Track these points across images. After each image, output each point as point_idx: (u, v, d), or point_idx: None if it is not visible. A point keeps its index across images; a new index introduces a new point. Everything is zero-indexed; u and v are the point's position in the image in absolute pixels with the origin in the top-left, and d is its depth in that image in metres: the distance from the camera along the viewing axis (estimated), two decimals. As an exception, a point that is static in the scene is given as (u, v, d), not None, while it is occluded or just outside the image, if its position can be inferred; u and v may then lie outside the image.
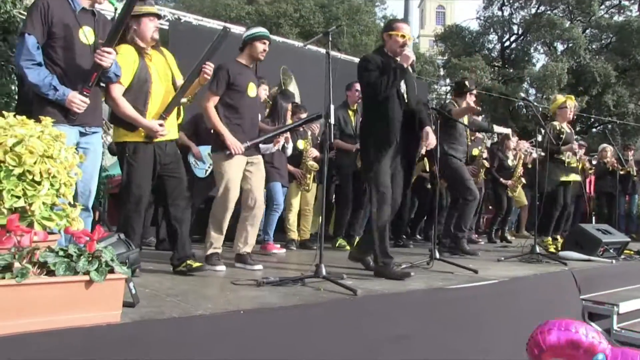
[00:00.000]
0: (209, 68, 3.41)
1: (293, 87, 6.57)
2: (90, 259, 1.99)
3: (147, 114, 3.29)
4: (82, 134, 2.98)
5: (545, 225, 6.37)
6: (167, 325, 2.17)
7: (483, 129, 6.23)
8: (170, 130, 3.41)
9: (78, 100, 2.85)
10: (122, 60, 3.21)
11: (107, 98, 3.26)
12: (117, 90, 3.20)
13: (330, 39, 3.51)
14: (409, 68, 3.87)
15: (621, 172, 8.56)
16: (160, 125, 3.27)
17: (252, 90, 3.96)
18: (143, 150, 3.30)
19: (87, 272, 1.94)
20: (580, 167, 8.40)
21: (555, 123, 6.31)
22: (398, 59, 3.84)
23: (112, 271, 2.05)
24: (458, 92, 5.91)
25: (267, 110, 5.22)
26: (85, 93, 2.89)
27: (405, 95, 3.92)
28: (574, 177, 6.52)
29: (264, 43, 4.02)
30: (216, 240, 3.83)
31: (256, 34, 3.99)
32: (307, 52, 7.64)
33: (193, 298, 2.71)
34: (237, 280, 3.27)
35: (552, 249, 5.72)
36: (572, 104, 6.44)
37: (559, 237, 6.39)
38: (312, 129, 5.72)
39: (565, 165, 6.35)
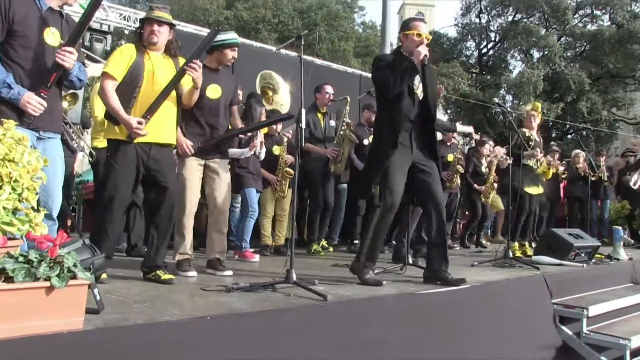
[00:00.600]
0: (193, 66, 3.32)
1: (284, 90, 6.50)
2: (52, 264, 1.95)
3: (132, 110, 3.26)
4: (38, 139, 2.84)
5: (512, 231, 6.39)
6: (130, 332, 2.13)
7: (446, 128, 6.20)
8: (158, 132, 3.35)
9: (34, 102, 2.70)
10: (117, 56, 3.32)
11: (99, 89, 3.35)
12: (109, 83, 3.26)
13: (302, 42, 3.51)
14: (430, 67, 3.84)
15: (592, 178, 8.69)
16: (139, 123, 3.20)
17: (212, 92, 3.90)
18: (123, 149, 3.27)
19: (48, 278, 1.90)
20: (554, 172, 8.55)
21: (525, 130, 6.35)
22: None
23: (74, 277, 2.01)
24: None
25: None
26: (42, 94, 2.75)
27: (420, 95, 3.84)
28: (538, 190, 6.50)
29: (234, 50, 4.02)
30: (181, 245, 3.79)
31: (226, 41, 3.98)
32: (285, 57, 7.63)
33: (160, 304, 2.68)
34: (207, 286, 3.24)
35: (518, 254, 5.77)
36: (535, 113, 6.48)
37: (526, 243, 6.47)
38: (287, 135, 5.71)
39: (533, 173, 6.37)
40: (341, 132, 6.01)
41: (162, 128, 3.39)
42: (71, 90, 4.52)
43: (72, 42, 2.84)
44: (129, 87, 3.28)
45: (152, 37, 3.36)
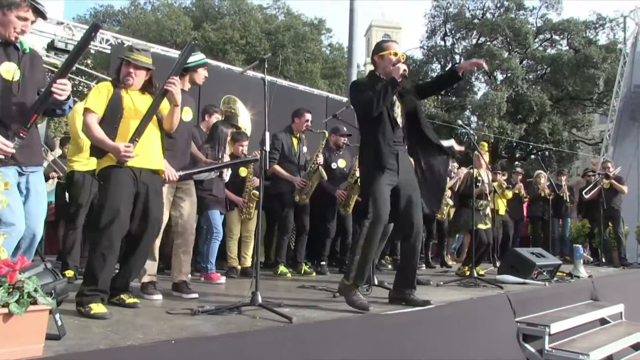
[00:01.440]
0: (172, 81, 3.31)
1: (245, 117, 6.52)
2: (11, 290, 1.93)
3: (115, 141, 3.21)
4: (20, 174, 2.78)
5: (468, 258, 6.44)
6: (92, 358, 2.10)
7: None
8: (146, 158, 3.31)
9: (1, 146, 2.61)
10: (96, 92, 3.32)
11: (82, 126, 3.39)
12: (92, 117, 3.24)
13: (266, 65, 3.55)
14: (407, 83, 3.85)
15: (550, 197, 8.91)
16: (127, 146, 3.15)
17: (185, 114, 3.92)
18: (116, 172, 3.20)
19: (6, 305, 1.88)
20: (515, 192, 8.77)
21: (474, 170, 6.31)
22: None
23: (35, 302, 1.99)
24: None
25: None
26: (21, 135, 2.66)
27: (397, 119, 3.83)
28: (487, 225, 6.60)
29: (205, 69, 4.10)
30: (150, 267, 3.75)
31: (200, 61, 4.06)
32: (252, 78, 7.67)
33: (124, 328, 2.64)
34: (172, 309, 3.21)
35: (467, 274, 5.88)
36: (482, 151, 6.55)
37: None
38: (255, 156, 5.70)
39: (481, 212, 6.47)
40: (313, 165, 5.99)
41: (150, 154, 3.36)
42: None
43: (63, 74, 2.77)
44: (110, 119, 3.27)
45: (127, 79, 3.37)
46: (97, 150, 3.27)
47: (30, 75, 2.86)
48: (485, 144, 6.82)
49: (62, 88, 2.70)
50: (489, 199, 6.58)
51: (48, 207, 8.59)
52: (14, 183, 2.71)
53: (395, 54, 3.82)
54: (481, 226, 6.34)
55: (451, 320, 3.89)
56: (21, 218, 2.72)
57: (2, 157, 2.63)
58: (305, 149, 6.13)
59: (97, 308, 2.95)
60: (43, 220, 2.91)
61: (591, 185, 9.00)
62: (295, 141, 5.96)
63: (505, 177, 8.82)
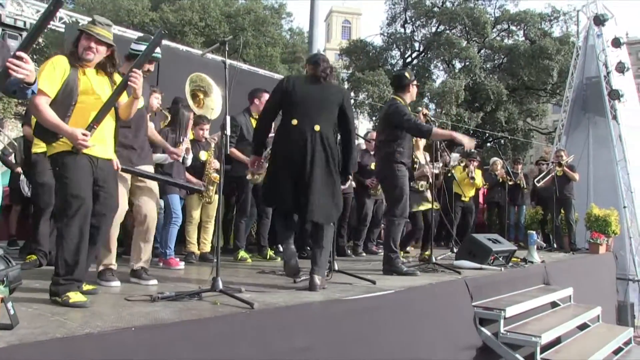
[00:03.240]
0: (135, 75, 3.14)
1: (217, 95, 6.36)
2: (-40, 278, 1.85)
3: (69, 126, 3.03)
4: None
5: (402, 242, 6.49)
6: (47, 348, 2.03)
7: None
8: (101, 147, 3.17)
9: None
10: (50, 70, 3.02)
11: (30, 106, 3.05)
12: (42, 99, 2.96)
13: (227, 48, 3.48)
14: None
15: (510, 184, 9.14)
16: (84, 134, 2.98)
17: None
18: (73, 159, 3.02)
19: (-46, 293, 1.80)
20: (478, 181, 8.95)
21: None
22: None
23: (-15, 291, 1.91)
24: (399, 87, 5.33)
25: (167, 119, 5.07)
26: None
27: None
28: (426, 206, 6.68)
29: (151, 63, 3.98)
30: (105, 257, 3.66)
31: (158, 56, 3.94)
32: (211, 62, 7.53)
33: (82, 316, 2.57)
34: (131, 296, 3.15)
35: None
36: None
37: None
38: (214, 139, 5.61)
39: (419, 193, 6.63)
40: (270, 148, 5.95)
41: (104, 143, 3.22)
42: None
43: (25, 47, 2.51)
44: (62, 105, 3.05)
45: (87, 53, 3.14)
46: (47, 134, 3.03)
47: None
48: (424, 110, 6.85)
49: (20, 64, 2.45)
50: (430, 181, 6.63)
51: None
52: None
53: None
54: (420, 208, 6.47)
55: (410, 305, 3.96)
56: None
57: None
58: None
59: (76, 297, 2.87)
60: None
61: (544, 173, 9.25)
62: (254, 122, 5.87)
63: (476, 164, 9.03)
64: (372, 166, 7.14)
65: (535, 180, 9.38)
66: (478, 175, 9.04)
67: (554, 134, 15.68)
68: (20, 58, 2.44)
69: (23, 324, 2.27)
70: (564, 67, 22.08)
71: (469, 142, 5.07)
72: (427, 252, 6.29)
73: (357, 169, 6.93)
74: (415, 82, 5.31)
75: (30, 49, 2.58)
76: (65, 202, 2.98)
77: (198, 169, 5.54)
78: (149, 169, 3.98)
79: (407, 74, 5.32)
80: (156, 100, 4.74)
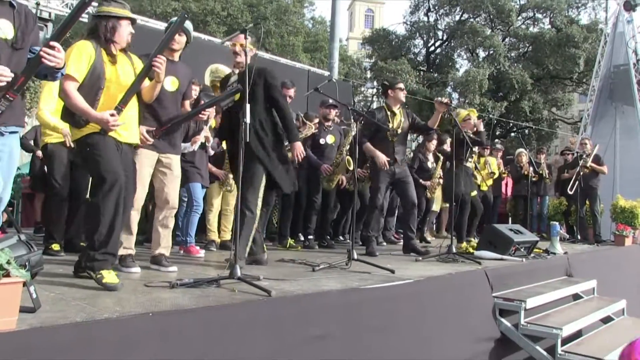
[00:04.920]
0: (159, 61, 3.24)
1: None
2: (-18, 262, 1.88)
3: (97, 111, 3.11)
4: (0, 135, 2.68)
5: (457, 230, 6.75)
6: (68, 331, 2.07)
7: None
8: (126, 132, 3.24)
9: None
10: (76, 55, 3.09)
11: (59, 91, 3.14)
12: (70, 85, 3.06)
13: (247, 36, 3.47)
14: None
15: (534, 179, 9.04)
16: (112, 115, 3.06)
17: (170, 84, 3.85)
18: (103, 139, 3.11)
19: (-23, 277, 1.83)
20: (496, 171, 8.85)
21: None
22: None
23: (7, 275, 1.95)
24: (383, 94, 5.96)
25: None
26: (9, 97, 2.54)
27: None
28: (474, 193, 6.94)
29: (182, 35, 3.98)
30: (126, 240, 3.69)
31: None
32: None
33: (101, 301, 2.61)
34: (150, 282, 3.18)
35: (470, 250, 5.99)
36: (474, 116, 6.81)
37: (472, 239, 6.72)
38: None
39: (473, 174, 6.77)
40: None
41: (129, 128, 3.28)
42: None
43: (57, 37, 2.59)
44: (91, 90, 3.12)
45: (116, 35, 3.22)
46: (73, 118, 3.11)
47: (24, 33, 2.75)
48: (474, 110, 6.95)
49: (53, 54, 2.53)
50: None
51: (22, 178, 8.45)
52: None
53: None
54: (473, 193, 6.62)
55: (429, 295, 3.93)
56: None
57: None
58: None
59: (109, 277, 2.96)
60: (11, 182, 2.83)
61: (574, 176, 8.99)
62: None
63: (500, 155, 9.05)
64: None
65: (566, 178, 9.24)
66: (493, 164, 8.95)
67: (580, 123, 15.42)
68: (52, 47, 2.52)
69: (45, 307, 2.31)
70: (591, 55, 21.61)
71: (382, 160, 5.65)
72: (463, 244, 6.40)
73: None
74: (397, 86, 5.84)
75: (62, 38, 2.64)
76: (100, 178, 3.07)
77: (219, 158, 5.57)
78: (174, 158, 4.00)
79: (386, 81, 6.03)
80: (194, 92, 4.81)
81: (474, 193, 7.14)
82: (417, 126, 5.94)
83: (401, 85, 5.86)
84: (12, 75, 2.50)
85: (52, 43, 2.53)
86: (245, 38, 3.49)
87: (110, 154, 3.13)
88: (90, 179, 3.33)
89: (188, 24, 4.02)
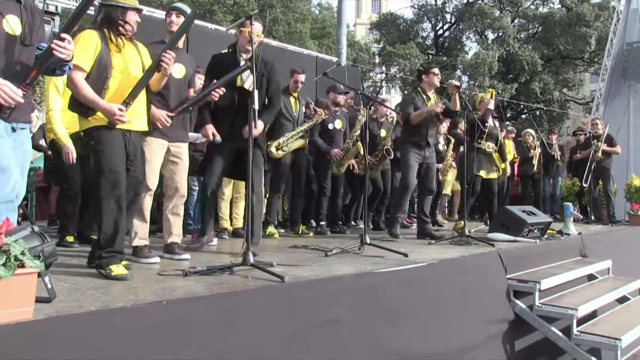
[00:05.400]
0: (168, 57, 3.25)
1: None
2: (-3, 253, 1.89)
3: (104, 101, 3.11)
4: (12, 130, 2.64)
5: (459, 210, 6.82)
6: (83, 320, 2.08)
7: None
8: (135, 119, 3.24)
9: (8, 90, 2.43)
10: (83, 45, 3.09)
11: (67, 82, 3.14)
12: (78, 74, 3.06)
13: (252, 23, 3.45)
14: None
15: (535, 158, 9.00)
16: (120, 109, 3.06)
17: (177, 71, 3.87)
18: (108, 134, 3.11)
19: (-8, 268, 1.84)
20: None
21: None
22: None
23: (22, 266, 1.96)
24: (417, 79, 6.09)
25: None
26: (23, 91, 2.51)
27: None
28: (493, 175, 6.98)
29: (170, 15, 4.08)
30: (140, 229, 3.70)
31: (170, 7, 4.15)
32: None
33: (116, 290, 2.63)
34: (164, 271, 3.20)
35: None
36: (487, 96, 6.83)
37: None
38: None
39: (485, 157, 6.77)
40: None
41: (138, 116, 3.28)
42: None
43: (67, 29, 2.59)
44: (98, 79, 3.12)
45: (128, 27, 3.23)
46: (82, 107, 3.11)
47: (32, 29, 2.75)
48: (492, 91, 6.97)
49: (64, 46, 2.52)
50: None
51: (37, 172, 8.51)
52: (5, 137, 2.62)
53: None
54: (480, 173, 6.73)
55: (443, 278, 3.93)
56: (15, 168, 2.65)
57: (5, 104, 2.47)
58: (303, 108, 6.15)
59: (118, 270, 2.97)
60: (26, 177, 2.84)
61: (587, 162, 8.83)
62: (292, 100, 5.98)
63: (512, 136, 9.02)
64: (382, 134, 7.10)
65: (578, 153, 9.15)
66: (509, 146, 8.88)
67: (592, 104, 15.24)
68: (63, 39, 2.52)
69: (60, 297, 2.33)
70: (602, 34, 21.34)
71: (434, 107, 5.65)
72: (460, 223, 6.34)
73: (391, 143, 6.93)
74: (431, 71, 5.88)
75: (72, 30, 2.65)
76: (101, 176, 3.07)
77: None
78: (183, 146, 4.01)
79: (421, 67, 6.16)
80: (199, 81, 4.80)
81: (493, 175, 7.03)
82: (447, 110, 5.91)
83: (435, 70, 5.90)
84: (22, 94, 2.49)
85: (63, 35, 2.52)
86: (251, 24, 3.46)
87: (114, 150, 3.12)
88: (89, 172, 3.32)
89: (184, 7, 4.10)
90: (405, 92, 25.18)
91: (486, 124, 6.66)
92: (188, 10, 4.06)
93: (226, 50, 4.44)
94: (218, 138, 4.19)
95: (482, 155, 6.72)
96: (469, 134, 6.41)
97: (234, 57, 4.22)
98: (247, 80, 4.08)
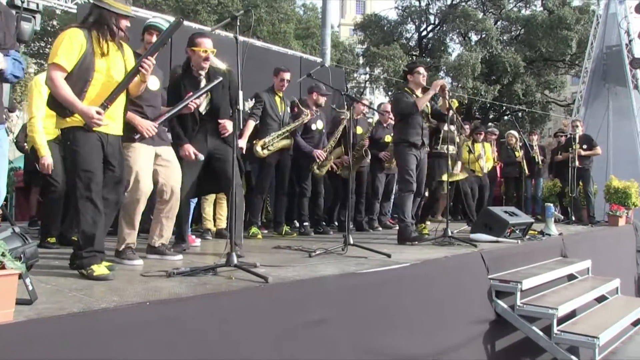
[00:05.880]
0: (148, 63, 3.22)
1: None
2: (-23, 254, 1.88)
3: (84, 104, 3.06)
4: None
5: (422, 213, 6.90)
6: (65, 322, 2.07)
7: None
8: (112, 123, 3.22)
9: None
10: (67, 44, 3.04)
11: (46, 79, 3.09)
12: (58, 74, 3.01)
13: (238, 23, 3.44)
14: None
15: (518, 159, 9.10)
16: (98, 112, 3.02)
17: (152, 83, 3.79)
18: (85, 134, 3.07)
19: (-28, 269, 1.83)
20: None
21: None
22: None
23: (3, 267, 1.94)
24: (403, 79, 6.00)
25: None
26: None
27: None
28: (458, 177, 6.99)
29: (151, 34, 4.07)
30: (129, 236, 3.67)
31: (148, 24, 4.14)
32: (223, 38, 7.50)
33: (98, 292, 2.62)
34: (147, 272, 3.19)
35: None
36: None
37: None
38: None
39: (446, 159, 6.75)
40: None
41: (115, 120, 3.26)
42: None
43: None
44: (79, 80, 3.07)
45: (121, 33, 3.22)
46: (61, 107, 3.06)
47: (6, 35, 2.71)
48: (456, 103, 6.86)
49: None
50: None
51: (16, 172, 8.41)
52: None
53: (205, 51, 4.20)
54: (443, 177, 6.60)
55: (426, 278, 3.96)
56: None
57: None
58: (288, 109, 6.14)
59: (99, 270, 2.97)
60: (4, 177, 2.82)
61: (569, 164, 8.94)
62: (277, 100, 5.96)
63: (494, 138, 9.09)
64: (386, 139, 7.12)
65: (559, 154, 9.27)
66: (488, 149, 8.96)
67: (573, 106, 15.43)
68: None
69: (42, 299, 2.31)
70: (583, 37, 21.56)
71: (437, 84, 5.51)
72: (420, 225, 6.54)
73: (372, 142, 6.95)
74: (416, 70, 5.77)
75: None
76: (77, 177, 3.05)
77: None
78: (168, 150, 3.99)
79: (406, 67, 6.20)
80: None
81: (458, 177, 7.07)
82: (436, 112, 5.93)
83: (421, 69, 5.78)
84: None
85: None
86: (236, 25, 3.45)
87: (90, 152, 3.09)
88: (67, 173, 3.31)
89: (160, 24, 4.12)
90: (390, 93, 25.32)
91: (441, 130, 6.65)
92: (165, 26, 4.02)
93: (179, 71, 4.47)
94: (200, 156, 4.19)
95: (442, 160, 6.66)
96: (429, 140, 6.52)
97: (193, 77, 4.25)
98: (202, 104, 4.21)
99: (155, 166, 3.87)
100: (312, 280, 3.15)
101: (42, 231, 4.65)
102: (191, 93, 3.97)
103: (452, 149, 6.88)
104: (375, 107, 8.00)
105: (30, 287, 2.22)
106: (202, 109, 4.24)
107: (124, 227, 3.67)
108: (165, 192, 3.90)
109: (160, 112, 3.92)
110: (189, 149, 4.17)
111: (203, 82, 4.22)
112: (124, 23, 3.23)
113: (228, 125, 4.23)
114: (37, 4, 7.92)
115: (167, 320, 2.32)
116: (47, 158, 4.49)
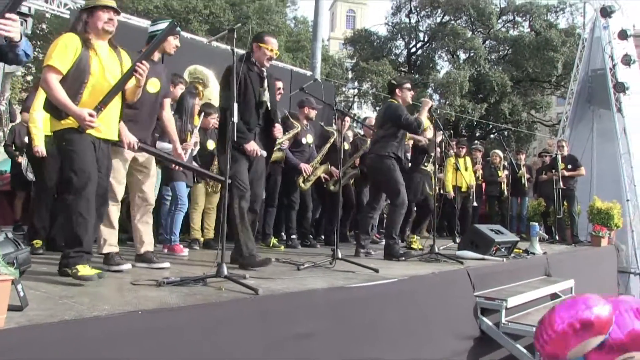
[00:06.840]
0: (142, 67, 3.23)
1: (214, 85, 6.39)
2: (-30, 260, 1.87)
3: (79, 106, 3.10)
4: None
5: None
6: (57, 329, 2.06)
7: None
8: (106, 128, 3.24)
9: None
10: (62, 47, 3.09)
11: (41, 82, 3.14)
12: (52, 76, 3.06)
13: (235, 35, 3.48)
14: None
15: (500, 179, 9.32)
16: (91, 115, 3.05)
17: (152, 86, 3.83)
18: (78, 137, 3.11)
19: (-35, 274, 1.83)
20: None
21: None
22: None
23: (-5, 273, 1.94)
24: (390, 93, 5.78)
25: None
26: None
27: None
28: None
29: (176, 38, 4.03)
30: (109, 236, 3.66)
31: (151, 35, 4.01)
32: (216, 49, 7.54)
33: (89, 299, 2.60)
34: (137, 280, 3.18)
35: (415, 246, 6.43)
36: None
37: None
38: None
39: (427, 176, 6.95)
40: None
41: (109, 124, 3.28)
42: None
43: (12, 8, 2.41)
44: (74, 83, 3.11)
45: (109, 25, 3.25)
46: (56, 109, 3.10)
47: None
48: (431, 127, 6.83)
49: (5, 22, 2.35)
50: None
51: (2, 176, 8.35)
52: None
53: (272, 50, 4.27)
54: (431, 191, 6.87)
55: (412, 294, 3.98)
56: None
57: None
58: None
59: (84, 270, 2.97)
60: None
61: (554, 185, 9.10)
62: None
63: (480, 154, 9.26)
64: None
65: (544, 174, 9.43)
66: (469, 162, 9.09)
67: (558, 126, 15.64)
68: (7, 18, 2.38)
69: (32, 305, 2.30)
70: (569, 59, 21.91)
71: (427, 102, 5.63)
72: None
73: (359, 157, 7.00)
74: (405, 85, 5.67)
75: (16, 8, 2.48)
76: (72, 176, 3.08)
77: (206, 158, 5.55)
78: (149, 157, 3.99)
79: (394, 80, 5.83)
80: (180, 90, 4.80)
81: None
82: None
83: (408, 85, 5.70)
84: None
85: (7, 15, 2.37)
86: (233, 37, 3.49)
87: (85, 152, 3.13)
88: (61, 173, 3.32)
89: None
90: (377, 108, 25.45)
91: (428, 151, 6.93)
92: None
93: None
94: (263, 152, 4.30)
95: (425, 176, 6.90)
96: (416, 160, 6.82)
97: (256, 71, 4.27)
98: (265, 95, 4.23)
99: (132, 170, 3.88)
100: (302, 293, 3.17)
101: (29, 234, 4.62)
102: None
103: (431, 167, 7.06)
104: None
105: (21, 294, 2.21)
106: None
107: (101, 228, 3.63)
108: (137, 197, 3.92)
109: (149, 145, 3.92)
110: (254, 145, 4.18)
111: (265, 81, 4.30)
112: (100, 15, 3.24)
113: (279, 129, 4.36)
114: (29, 8, 7.92)
115: (158, 329, 2.32)
116: (41, 147, 4.56)
